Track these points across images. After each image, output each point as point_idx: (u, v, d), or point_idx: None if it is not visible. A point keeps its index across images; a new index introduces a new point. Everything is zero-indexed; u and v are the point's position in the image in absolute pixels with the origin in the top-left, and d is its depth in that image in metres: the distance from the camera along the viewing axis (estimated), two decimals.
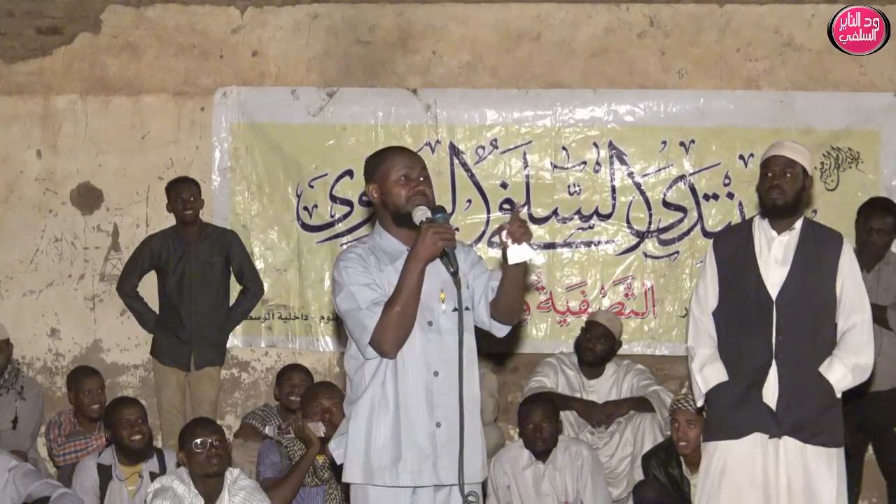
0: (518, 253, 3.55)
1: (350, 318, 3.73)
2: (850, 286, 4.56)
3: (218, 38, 7.02)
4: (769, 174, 4.55)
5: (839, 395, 4.55)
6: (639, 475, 5.94)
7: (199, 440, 4.91)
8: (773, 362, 4.50)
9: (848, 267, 4.57)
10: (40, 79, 7.05)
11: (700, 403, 4.73)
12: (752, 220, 4.73)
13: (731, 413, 4.55)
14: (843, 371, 4.50)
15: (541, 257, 3.54)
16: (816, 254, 4.55)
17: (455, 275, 3.62)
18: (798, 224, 4.59)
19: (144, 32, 7.03)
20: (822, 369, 4.50)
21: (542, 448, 5.73)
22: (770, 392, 4.49)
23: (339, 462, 3.82)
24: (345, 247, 6.90)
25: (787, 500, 4.47)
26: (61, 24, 7.03)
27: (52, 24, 7.03)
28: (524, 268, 3.66)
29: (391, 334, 3.65)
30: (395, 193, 3.75)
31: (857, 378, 4.55)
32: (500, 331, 3.84)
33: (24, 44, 7.04)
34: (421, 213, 3.67)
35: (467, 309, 3.72)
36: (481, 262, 3.87)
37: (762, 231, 4.61)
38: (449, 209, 6.90)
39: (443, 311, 3.73)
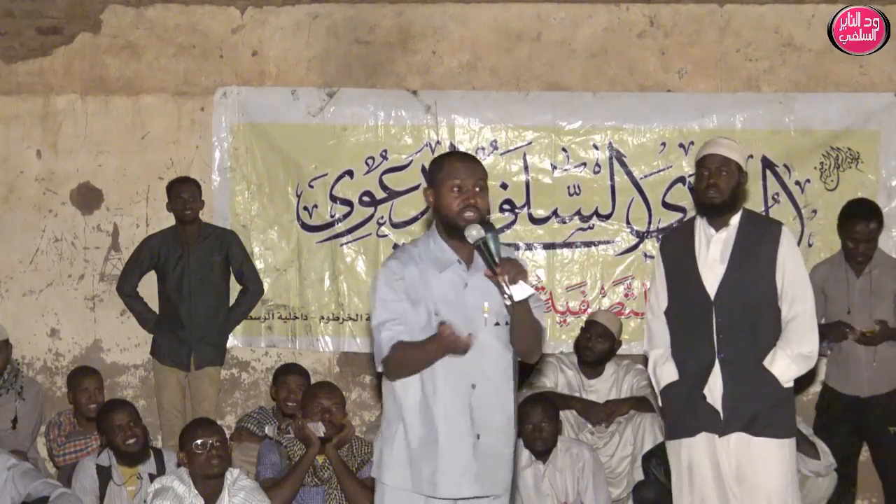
0: (520, 291, 3.62)
1: (372, 330, 3.82)
2: (791, 276, 4.56)
3: (218, 38, 7.02)
4: (705, 173, 4.60)
5: (788, 386, 4.56)
6: (639, 475, 5.95)
7: (199, 441, 4.91)
8: (716, 361, 4.53)
9: (788, 257, 4.58)
10: (40, 79, 7.05)
11: (660, 403, 4.77)
12: (694, 219, 4.76)
13: (681, 413, 4.60)
14: (786, 362, 4.51)
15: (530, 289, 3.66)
16: (754, 248, 4.57)
17: (511, 304, 3.64)
18: (735, 220, 4.62)
19: (144, 32, 7.03)
20: (766, 362, 4.52)
21: (541, 448, 5.72)
22: (714, 391, 4.53)
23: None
24: (346, 247, 6.94)
25: (739, 494, 4.49)
26: (61, 24, 7.03)
27: (52, 24, 7.03)
28: (527, 307, 3.68)
29: (395, 369, 3.77)
30: (446, 204, 3.75)
31: (802, 367, 4.56)
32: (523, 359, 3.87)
33: (24, 44, 7.03)
34: (475, 234, 3.66)
35: (506, 324, 3.74)
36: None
37: (702, 230, 4.65)
38: None
39: (484, 325, 3.75)
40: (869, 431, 6.13)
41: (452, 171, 3.77)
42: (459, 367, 3.72)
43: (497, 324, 3.74)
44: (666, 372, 4.65)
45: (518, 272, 3.60)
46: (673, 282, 4.67)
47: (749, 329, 4.53)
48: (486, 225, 3.70)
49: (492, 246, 3.64)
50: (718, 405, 4.51)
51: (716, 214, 4.60)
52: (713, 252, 4.59)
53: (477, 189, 3.74)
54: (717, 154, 4.60)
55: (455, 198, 3.73)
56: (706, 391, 4.52)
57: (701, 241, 4.63)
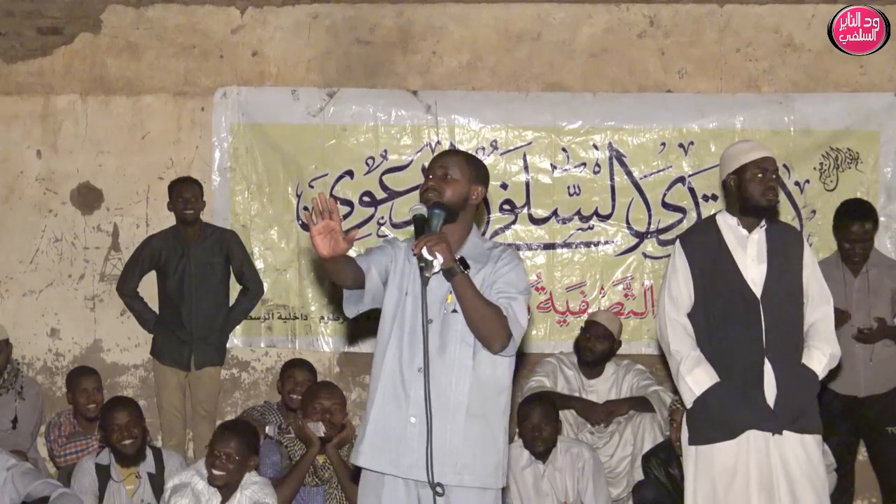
0: (439, 263, 3.68)
1: None
2: (815, 278, 4.64)
3: (218, 38, 7.03)
4: (760, 175, 4.55)
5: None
6: (639, 475, 5.95)
7: (215, 450, 4.99)
8: (766, 359, 4.52)
9: (810, 260, 4.66)
10: (40, 79, 7.05)
11: (690, 406, 4.63)
12: (713, 218, 4.73)
13: (727, 413, 4.52)
14: (823, 360, 4.57)
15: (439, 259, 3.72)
16: (784, 249, 4.61)
17: (423, 281, 3.70)
18: (764, 222, 4.65)
19: (144, 32, 7.03)
20: (805, 360, 4.55)
21: (541, 448, 5.73)
22: (769, 389, 4.52)
23: None
24: None
25: (790, 492, 4.49)
26: (61, 24, 7.03)
27: (52, 24, 7.03)
28: (464, 288, 3.70)
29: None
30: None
31: (831, 366, 4.63)
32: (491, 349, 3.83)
33: (24, 44, 7.04)
34: (415, 208, 3.77)
35: (454, 311, 3.77)
36: (507, 276, 3.83)
37: (730, 229, 4.63)
38: None
39: (442, 312, 3.78)
40: (867, 431, 6.15)
41: (428, 165, 3.96)
42: (409, 349, 3.77)
43: (455, 311, 3.76)
44: (706, 374, 4.54)
45: (435, 243, 3.64)
46: (706, 281, 4.59)
47: (791, 327, 4.57)
48: (439, 207, 3.77)
49: (433, 223, 3.74)
50: (771, 402, 4.50)
51: (764, 216, 4.61)
52: (750, 251, 4.59)
53: (441, 174, 3.84)
54: (771, 157, 4.60)
55: (423, 185, 3.88)
56: (764, 389, 4.50)
57: (732, 241, 4.61)
